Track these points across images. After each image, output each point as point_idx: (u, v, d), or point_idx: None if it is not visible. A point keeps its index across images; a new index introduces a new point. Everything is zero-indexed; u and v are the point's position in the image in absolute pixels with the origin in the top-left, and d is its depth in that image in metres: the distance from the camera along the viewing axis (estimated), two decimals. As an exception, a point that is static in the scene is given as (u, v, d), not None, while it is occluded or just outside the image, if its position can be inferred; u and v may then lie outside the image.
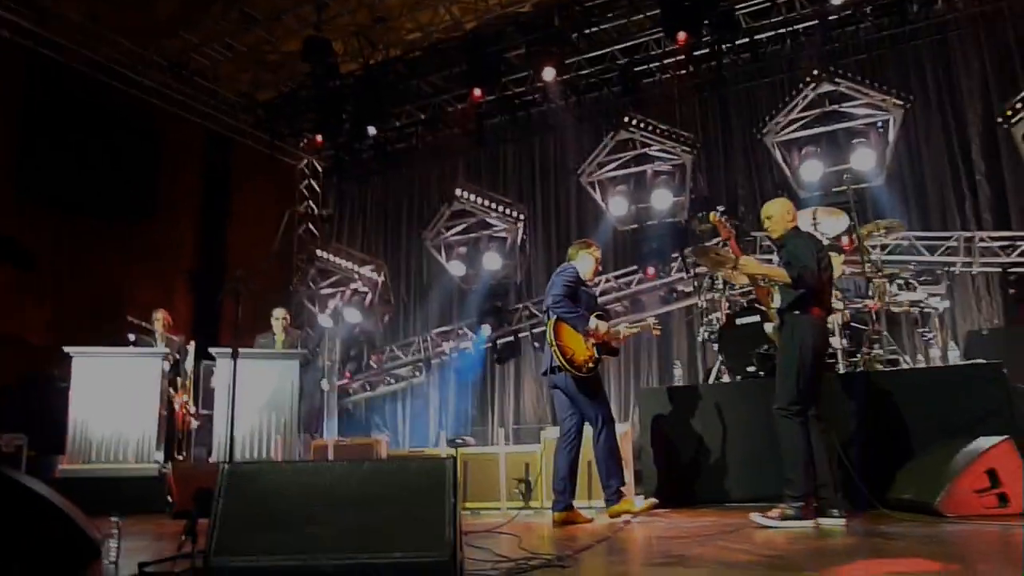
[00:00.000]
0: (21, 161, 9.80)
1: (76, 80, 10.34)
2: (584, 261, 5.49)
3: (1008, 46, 9.30)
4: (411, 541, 2.62)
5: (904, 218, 8.72)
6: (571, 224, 11.68)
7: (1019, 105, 8.33)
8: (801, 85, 9.10)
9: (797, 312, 4.49)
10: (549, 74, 10.20)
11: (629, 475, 6.25)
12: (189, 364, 8.20)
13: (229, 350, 4.91)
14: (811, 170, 9.17)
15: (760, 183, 10.37)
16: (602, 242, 5.94)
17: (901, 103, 8.83)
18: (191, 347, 8.20)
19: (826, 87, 8.95)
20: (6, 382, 8.99)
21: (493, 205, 11.02)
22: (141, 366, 7.60)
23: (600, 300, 7.18)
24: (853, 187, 7.00)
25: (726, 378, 7.01)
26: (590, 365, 5.14)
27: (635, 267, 10.64)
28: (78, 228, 10.28)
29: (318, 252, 11.94)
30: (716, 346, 7.24)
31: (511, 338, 11.48)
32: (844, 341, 6.35)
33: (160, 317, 8.34)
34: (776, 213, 4.75)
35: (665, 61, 10.89)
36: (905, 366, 6.66)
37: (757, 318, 6.50)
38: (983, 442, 4.50)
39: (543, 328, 10.95)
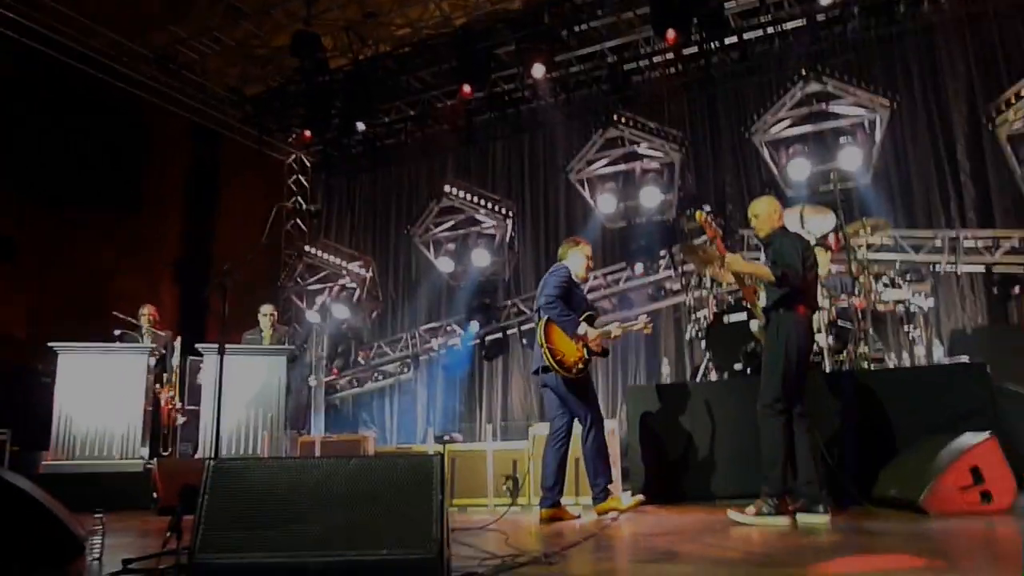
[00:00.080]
0: (5, 152, 9.71)
1: (62, 71, 10.25)
2: (575, 259, 5.48)
3: (993, 47, 9.36)
4: (398, 538, 2.62)
5: (890, 217, 8.78)
6: (560, 221, 11.69)
7: (1003, 106, 8.40)
8: (789, 84, 9.14)
9: (783, 310, 4.51)
10: (538, 71, 10.20)
11: (616, 472, 6.26)
12: (175, 360, 8.16)
13: (216, 346, 4.89)
14: (798, 169, 9.21)
15: (748, 181, 10.40)
16: (591, 240, 5.94)
17: (888, 103, 8.89)
18: (177, 342, 8.17)
19: (814, 87, 8.99)
20: (-12, 375, 8.93)
21: (482, 202, 11.01)
22: (126, 361, 7.56)
23: (589, 297, 7.17)
24: (840, 186, 7.04)
25: (714, 375, 7.04)
26: (580, 366, 5.15)
27: (623, 264, 10.66)
28: (62, 220, 10.20)
29: (306, 248, 11.91)
30: (704, 343, 7.27)
31: (499, 335, 11.50)
32: (830, 339, 6.39)
33: (147, 312, 8.30)
34: (763, 212, 4.76)
35: (654, 59, 10.89)
36: (890, 364, 6.70)
37: (744, 316, 6.53)
38: (967, 439, 4.53)
39: (531, 325, 11.03)
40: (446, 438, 7.52)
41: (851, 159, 9.00)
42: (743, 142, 10.00)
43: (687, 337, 8.12)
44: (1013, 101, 8.32)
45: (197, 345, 7.76)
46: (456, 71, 10.86)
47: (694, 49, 10.49)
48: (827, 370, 6.16)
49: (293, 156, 13.96)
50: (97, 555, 3.31)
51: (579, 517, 5.22)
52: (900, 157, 9.73)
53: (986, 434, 4.53)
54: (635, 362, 10.71)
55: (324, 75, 10.94)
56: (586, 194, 10.55)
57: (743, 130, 9.64)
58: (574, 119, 11.71)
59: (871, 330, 6.64)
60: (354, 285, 11.88)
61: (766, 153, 9.57)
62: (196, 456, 7.57)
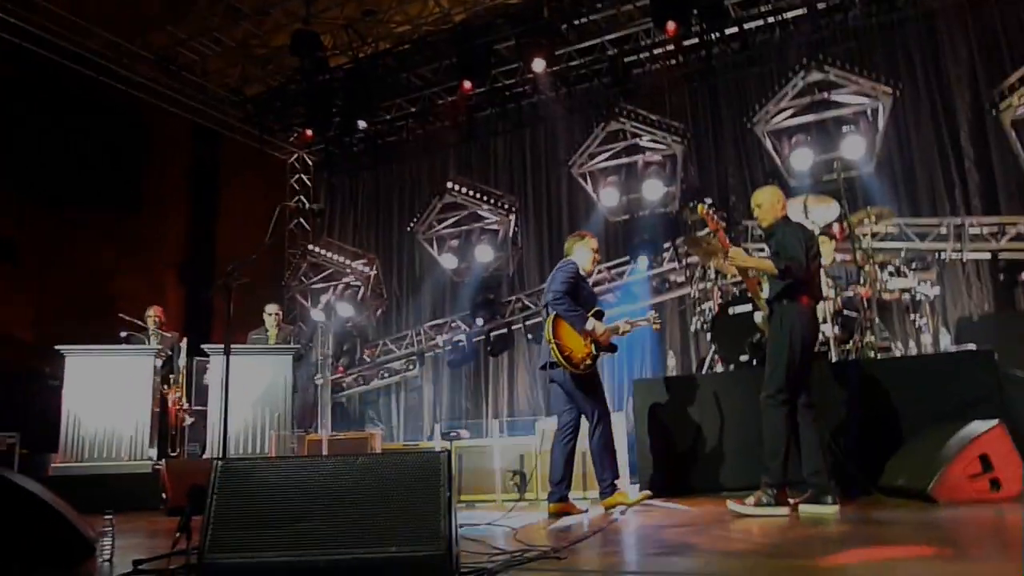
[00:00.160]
0: (5, 152, 9.72)
1: (62, 73, 10.26)
2: (581, 253, 5.48)
3: (995, 33, 9.32)
4: (406, 536, 2.62)
5: (894, 205, 8.75)
6: (563, 215, 11.67)
7: (1007, 91, 8.36)
8: (790, 74, 9.10)
9: (786, 301, 4.50)
10: (539, 66, 10.17)
11: (624, 465, 6.27)
12: (182, 360, 8.18)
13: (221, 346, 4.90)
14: (801, 158, 9.18)
15: (751, 172, 10.37)
16: (595, 233, 5.93)
17: (890, 91, 8.84)
18: (183, 343, 8.18)
19: (815, 76, 8.95)
20: (-6, 379, 8.96)
21: (484, 197, 11.01)
22: (133, 363, 7.59)
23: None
24: (843, 175, 7.01)
25: (719, 367, 7.04)
26: (588, 362, 5.15)
27: (627, 257, 10.64)
28: (63, 220, 10.21)
29: (310, 247, 11.92)
30: (709, 335, 7.26)
31: (504, 330, 11.49)
32: (836, 329, 6.37)
33: (153, 314, 8.32)
34: (766, 201, 4.75)
35: (655, 51, 10.86)
36: (897, 353, 6.68)
37: (749, 307, 6.52)
38: (975, 427, 4.52)
39: (536, 320, 11.06)
40: (453, 434, 7.53)
41: (854, 148, 8.96)
42: (745, 133, 9.96)
43: (692, 329, 8.12)
44: (1016, 86, 8.27)
45: (203, 346, 7.78)
46: (456, 67, 10.84)
47: (695, 40, 10.44)
48: (834, 360, 6.15)
49: (295, 155, 13.96)
50: (107, 556, 3.32)
51: (586, 511, 5.22)
52: (903, 145, 9.69)
53: (994, 422, 4.52)
54: (641, 355, 10.69)
55: (324, 74, 10.94)
56: (588, 188, 10.53)
57: (745, 121, 9.60)
58: (575, 113, 11.70)
59: (877, 319, 6.62)
60: (358, 283, 11.89)
61: (768, 143, 9.54)
62: (204, 456, 7.60)
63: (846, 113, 9.19)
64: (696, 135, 10.52)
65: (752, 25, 10.27)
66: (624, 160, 10.28)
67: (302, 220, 13.77)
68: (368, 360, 12.50)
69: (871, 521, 4.01)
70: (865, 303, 6.55)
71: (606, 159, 10.30)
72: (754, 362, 6.42)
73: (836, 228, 7.39)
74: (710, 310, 7.46)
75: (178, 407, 8.09)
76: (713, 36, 10.28)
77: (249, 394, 7.38)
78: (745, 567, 2.98)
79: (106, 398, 7.35)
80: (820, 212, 6.96)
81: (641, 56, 10.96)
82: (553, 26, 10.27)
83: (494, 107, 12.10)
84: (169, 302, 10.53)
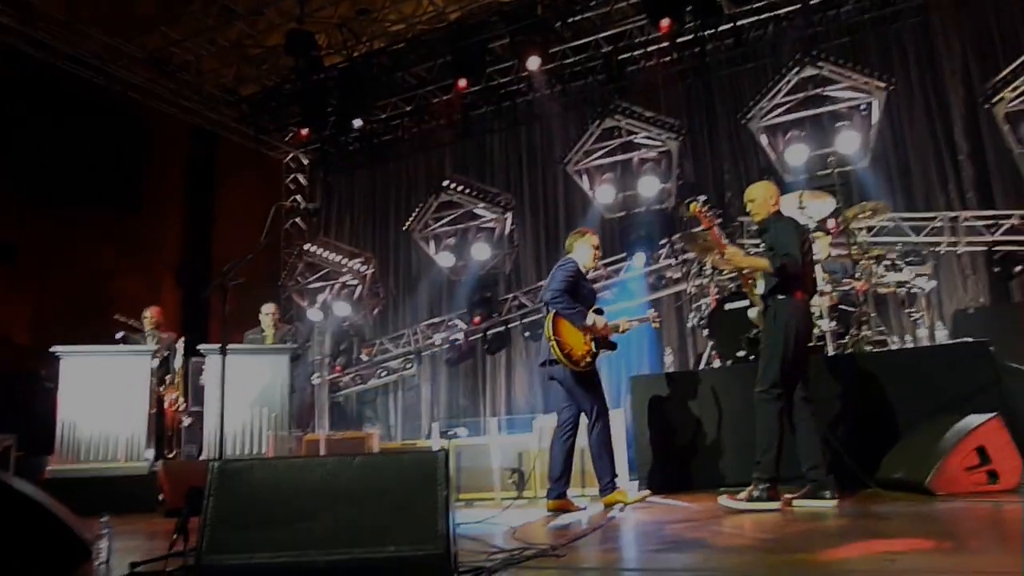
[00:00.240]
0: (5, 154, 9.69)
1: (59, 75, 10.24)
2: (582, 251, 5.48)
3: (989, 27, 9.34)
4: (404, 535, 2.61)
5: (889, 199, 8.76)
6: (559, 213, 11.67)
7: (1000, 85, 8.37)
8: (784, 70, 9.10)
9: (781, 296, 4.51)
10: (533, 63, 10.15)
11: (622, 462, 6.27)
12: (179, 361, 8.16)
13: (218, 346, 4.89)
14: (796, 154, 9.19)
15: (746, 168, 10.37)
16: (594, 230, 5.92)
17: (884, 86, 8.85)
18: (180, 344, 8.16)
19: (809, 71, 8.96)
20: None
21: (480, 196, 11.00)
22: (130, 364, 7.55)
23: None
24: (838, 170, 7.02)
25: (717, 363, 7.04)
26: (588, 360, 5.15)
27: (623, 255, 10.64)
28: (64, 222, 10.20)
29: (306, 246, 11.90)
30: (706, 332, 7.26)
31: (501, 328, 11.49)
32: (832, 323, 6.38)
33: (150, 315, 8.29)
34: (759, 196, 4.76)
35: (649, 48, 10.85)
36: (893, 347, 6.69)
37: (746, 303, 6.49)
38: (972, 420, 4.53)
39: (534, 318, 11.05)
40: (451, 433, 7.52)
41: (849, 143, 8.98)
42: (740, 129, 9.96)
43: (689, 325, 8.12)
44: (1010, 80, 8.30)
45: (199, 346, 7.76)
46: (451, 65, 10.82)
47: (688, 37, 10.44)
48: (830, 354, 6.15)
49: (290, 155, 13.94)
50: (104, 559, 3.31)
51: (585, 509, 5.23)
52: (898, 139, 9.70)
53: (991, 414, 4.53)
54: (638, 352, 10.68)
55: (319, 73, 10.91)
56: (584, 185, 10.53)
57: (739, 117, 9.61)
58: (570, 110, 11.69)
59: (873, 313, 6.63)
60: (355, 282, 11.87)
61: (763, 139, 9.55)
62: (201, 457, 7.58)
63: (840, 108, 9.19)
64: (691, 131, 10.52)
65: (746, 21, 10.27)
66: (619, 157, 10.28)
67: (298, 220, 13.75)
68: (365, 359, 12.49)
69: (870, 515, 4.01)
70: (861, 297, 6.56)
71: (601, 156, 10.29)
72: (751, 357, 6.42)
73: (831, 223, 7.40)
74: (707, 306, 7.46)
75: (175, 408, 8.07)
76: (707, 32, 10.28)
77: (246, 394, 7.36)
78: (745, 562, 2.98)
79: (102, 399, 7.32)
80: (816, 207, 6.96)
81: (635, 53, 10.95)
82: (547, 24, 10.25)
83: (489, 105, 12.10)
84: (166, 302, 10.52)
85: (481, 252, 11.08)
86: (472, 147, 12.56)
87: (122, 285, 10.47)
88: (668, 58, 10.92)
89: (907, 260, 7.12)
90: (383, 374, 12.55)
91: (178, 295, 11.61)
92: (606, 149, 10.24)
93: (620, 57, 10.82)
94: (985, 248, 9.02)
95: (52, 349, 7.40)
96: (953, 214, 9.18)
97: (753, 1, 10.09)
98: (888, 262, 6.93)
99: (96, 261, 10.50)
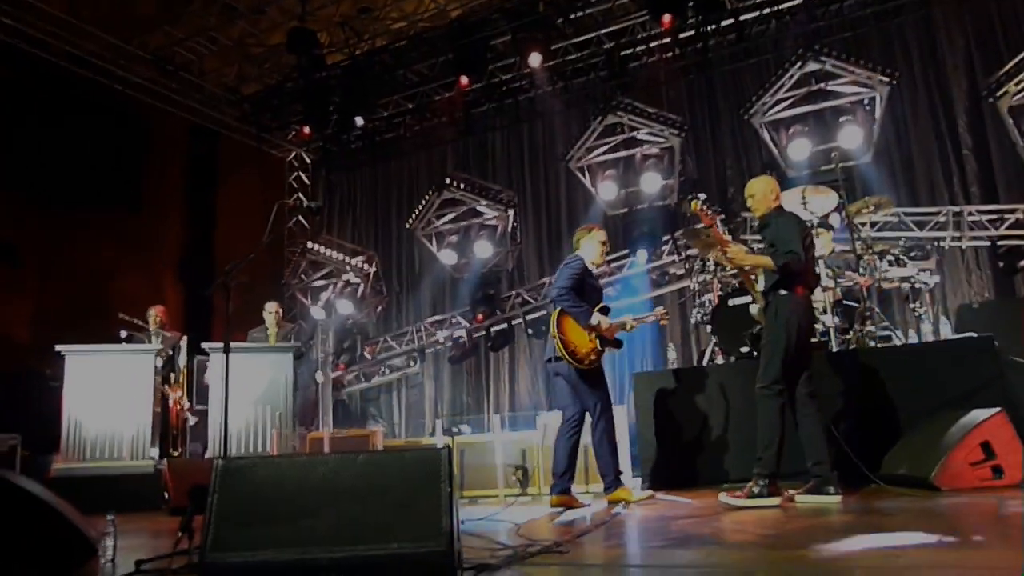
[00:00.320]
0: (6, 154, 9.70)
1: (60, 75, 10.25)
2: (589, 247, 5.48)
3: (991, 20, 9.31)
4: (408, 532, 2.61)
5: (893, 194, 8.73)
6: (561, 210, 11.67)
7: (1003, 79, 8.35)
8: (787, 65, 9.08)
9: (782, 292, 4.50)
10: (535, 60, 10.14)
11: (625, 460, 6.27)
12: (183, 360, 8.18)
13: (221, 345, 4.90)
14: (799, 149, 9.17)
15: (749, 163, 10.36)
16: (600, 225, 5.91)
17: (887, 80, 8.83)
18: (184, 343, 8.18)
19: (812, 66, 8.94)
20: (-7, 380, 8.96)
21: (483, 193, 11.00)
22: (134, 363, 7.57)
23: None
24: (841, 165, 7.00)
25: (720, 359, 7.03)
26: (592, 358, 5.15)
27: (626, 251, 10.63)
28: (64, 221, 10.21)
29: (309, 244, 11.91)
30: (709, 328, 7.26)
31: (504, 325, 11.49)
32: (836, 319, 6.37)
33: (155, 314, 8.32)
34: (759, 191, 4.75)
35: (651, 44, 10.84)
36: (897, 342, 6.68)
37: (749, 299, 6.50)
38: (977, 415, 4.52)
39: (537, 315, 11.05)
40: (454, 430, 7.53)
41: (852, 138, 8.95)
42: (743, 124, 9.95)
43: (692, 322, 8.12)
44: (1013, 73, 8.27)
45: (203, 344, 7.78)
46: (453, 63, 10.82)
47: (691, 32, 10.44)
48: (834, 349, 6.14)
49: (293, 153, 13.95)
50: (110, 557, 3.32)
51: (589, 506, 5.23)
52: (901, 134, 9.69)
53: (996, 409, 4.52)
54: (641, 348, 10.69)
55: (321, 71, 10.92)
56: (587, 182, 10.52)
57: (742, 112, 9.59)
58: (572, 107, 11.68)
59: (877, 308, 6.61)
60: (358, 280, 11.89)
61: (766, 134, 9.53)
62: (206, 455, 7.59)
63: (843, 103, 9.18)
64: (693, 127, 10.52)
65: (748, 16, 10.25)
66: (622, 153, 10.27)
67: (301, 218, 13.76)
68: (369, 357, 12.51)
69: (874, 510, 4.01)
70: (865, 293, 6.55)
71: (604, 153, 10.28)
72: (754, 353, 6.41)
73: (835, 218, 7.39)
74: (710, 302, 7.45)
75: (179, 406, 8.09)
76: (709, 28, 10.26)
77: (250, 393, 7.37)
78: (748, 558, 2.98)
79: (107, 398, 7.34)
80: (819, 202, 6.94)
81: (637, 49, 10.94)
82: (549, 20, 10.24)
83: (491, 102, 12.09)
84: (168, 301, 10.54)
85: (484, 249, 11.08)
86: (474, 144, 12.56)
87: (123, 285, 10.48)
88: (670, 54, 10.92)
89: (911, 255, 7.11)
90: (387, 372, 12.57)
91: (180, 293, 11.63)
92: (608, 145, 10.23)
93: (622, 53, 10.80)
94: (989, 243, 9.01)
95: (57, 348, 7.42)
96: (957, 209, 9.16)
97: (755, -4, 10.08)
98: (892, 257, 6.91)
99: (97, 260, 10.51)
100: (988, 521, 3.53)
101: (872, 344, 6.22)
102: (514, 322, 11.48)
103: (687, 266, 9.88)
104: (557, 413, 5.51)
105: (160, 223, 11.69)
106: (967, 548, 2.86)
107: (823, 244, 6.55)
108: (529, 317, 11.29)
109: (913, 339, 7.07)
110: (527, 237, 11.78)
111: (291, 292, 12.33)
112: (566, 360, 5.10)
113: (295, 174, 13.97)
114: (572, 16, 10.55)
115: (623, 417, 6.49)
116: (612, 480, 5.23)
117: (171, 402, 8.00)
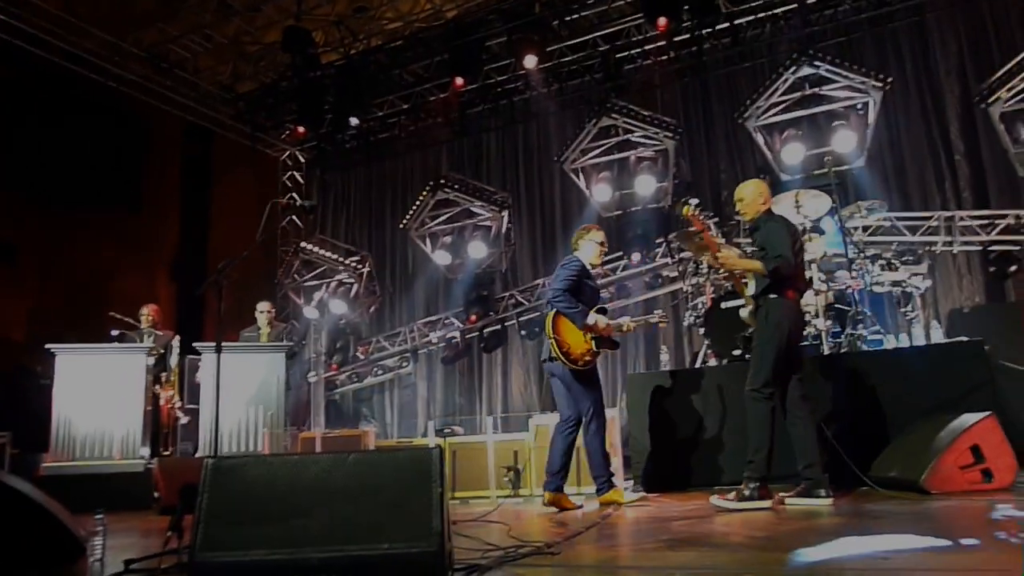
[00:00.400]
0: (5, 154, 9.66)
1: (58, 73, 10.21)
2: (587, 248, 5.48)
3: (984, 26, 9.36)
4: (399, 532, 2.61)
5: (885, 199, 8.75)
6: (555, 211, 11.68)
7: (996, 85, 8.39)
8: (781, 69, 9.10)
9: (772, 296, 4.52)
10: (531, 62, 10.14)
11: (618, 461, 6.28)
12: (175, 359, 8.15)
13: (214, 344, 4.89)
14: (792, 153, 9.18)
15: (742, 167, 10.37)
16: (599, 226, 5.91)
17: (880, 85, 8.85)
18: (176, 342, 8.15)
19: (806, 70, 8.95)
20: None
21: (477, 194, 10.99)
22: (125, 361, 7.55)
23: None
24: (834, 169, 7.02)
25: (712, 362, 7.04)
26: (587, 359, 5.16)
27: (620, 253, 10.65)
28: (64, 221, 10.19)
29: (302, 244, 11.89)
30: (702, 330, 7.27)
31: (498, 326, 11.49)
32: (828, 322, 6.39)
33: (147, 312, 8.29)
34: (748, 195, 4.76)
35: (646, 47, 10.85)
36: (888, 346, 6.70)
37: (742, 302, 6.51)
38: (967, 419, 4.54)
39: (530, 316, 11.05)
40: (447, 431, 7.53)
41: (845, 142, 8.97)
42: (736, 128, 9.95)
43: (685, 324, 8.12)
44: (1005, 79, 8.31)
45: (195, 344, 7.75)
46: (448, 63, 10.81)
47: (685, 36, 10.45)
48: (825, 353, 6.16)
49: (287, 152, 13.91)
50: (98, 556, 3.30)
51: (581, 507, 5.23)
52: (894, 139, 9.72)
53: (986, 412, 4.54)
54: (634, 350, 10.71)
55: (316, 70, 10.89)
56: (581, 183, 10.52)
57: (736, 116, 9.60)
58: (567, 109, 11.69)
59: (869, 312, 6.63)
60: (351, 280, 11.86)
61: (760, 138, 9.54)
62: (197, 455, 7.57)
63: (837, 107, 9.18)
64: (688, 130, 10.53)
65: (743, 20, 10.27)
66: (616, 156, 10.26)
67: (294, 217, 13.73)
68: (361, 357, 12.49)
69: (864, 513, 4.02)
70: (856, 296, 6.57)
71: (598, 155, 10.28)
72: (747, 356, 6.42)
73: (827, 222, 7.41)
74: (703, 305, 7.46)
75: (171, 405, 8.07)
76: (704, 31, 10.28)
77: (242, 392, 7.36)
78: (739, 560, 2.99)
79: (98, 397, 7.32)
80: (812, 206, 6.97)
81: (632, 52, 10.94)
82: (545, 22, 10.25)
83: (486, 103, 12.08)
84: (162, 300, 10.51)
85: (477, 250, 11.07)
86: (469, 145, 12.55)
87: (122, 284, 10.46)
88: (665, 57, 10.94)
89: (903, 259, 7.15)
90: (379, 372, 12.54)
91: (172, 292, 11.60)
92: (603, 148, 10.23)
93: (617, 56, 10.81)
94: (980, 248, 9.05)
95: (48, 346, 7.39)
96: (949, 214, 9.20)
97: (750, 0, 10.10)
98: (884, 261, 6.94)
99: (96, 260, 10.49)
100: (977, 524, 3.54)
101: (863, 348, 6.24)
102: (507, 323, 11.48)
103: (680, 269, 9.90)
104: (551, 414, 5.52)
105: (160, 223, 11.68)
106: (956, 552, 2.87)
107: (816, 248, 6.57)
108: (522, 318, 11.29)
109: (904, 343, 7.11)
110: (521, 238, 11.78)
111: (284, 291, 12.31)
112: (560, 361, 5.11)
113: (289, 173, 13.93)
114: (568, 18, 10.56)
115: (615, 418, 6.49)
116: (604, 482, 5.24)
117: (162, 401, 7.98)
